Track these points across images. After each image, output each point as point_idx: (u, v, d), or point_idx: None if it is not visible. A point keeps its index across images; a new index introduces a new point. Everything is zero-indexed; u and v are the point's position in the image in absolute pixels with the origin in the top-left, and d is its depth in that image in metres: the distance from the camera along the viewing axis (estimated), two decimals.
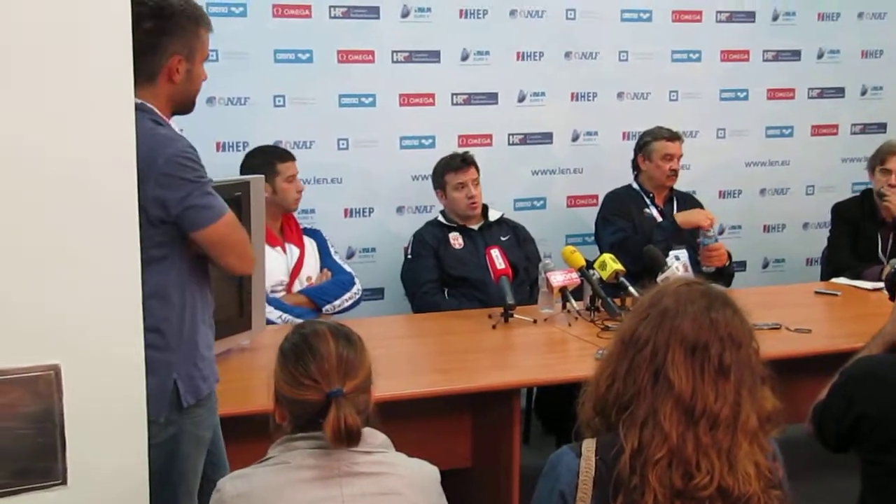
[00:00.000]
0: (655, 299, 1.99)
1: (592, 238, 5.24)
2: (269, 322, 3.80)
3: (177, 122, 2.68)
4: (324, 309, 4.25)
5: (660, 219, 4.97)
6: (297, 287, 4.35)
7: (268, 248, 3.97)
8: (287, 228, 4.43)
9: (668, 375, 1.90)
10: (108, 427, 2.30)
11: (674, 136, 4.99)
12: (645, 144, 5.01)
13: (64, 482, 2.25)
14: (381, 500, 2.02)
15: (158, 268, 2.50)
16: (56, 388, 2.21)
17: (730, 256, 4.89)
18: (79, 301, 2.23)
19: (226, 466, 2.77)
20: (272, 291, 4.17)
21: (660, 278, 3.97)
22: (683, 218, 4.84)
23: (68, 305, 2.22)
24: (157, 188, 2.43)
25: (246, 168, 4.30)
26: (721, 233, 5.38)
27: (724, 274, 4.85)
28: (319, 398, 2.02)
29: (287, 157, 4.45)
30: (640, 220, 4.95)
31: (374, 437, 2.08)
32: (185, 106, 2.69)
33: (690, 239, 4.84)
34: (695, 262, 4.74)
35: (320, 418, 2.01)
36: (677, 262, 4.52)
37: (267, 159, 4.36)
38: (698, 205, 5.13)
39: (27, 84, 2.13)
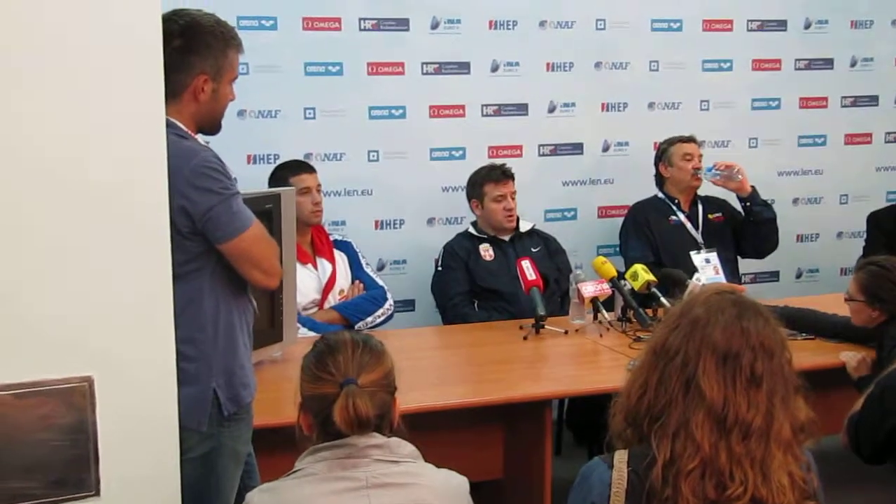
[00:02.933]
0: (686, 309, 1.98)
1: None
2: None
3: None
4: (356, 326, 4.23)
5: (688, 224, 4.97)
6: (330, 302, 4.34)
7: (298, 266, 3.95)
8: (318, 242, 4.41)
9: (699, 385, 1.89)
10: (141, 438, 2.31)
11: (689, 139, 5.02)
12: (663, 152, 5.04)
13: (97, 493, 2.27)
14: None
15: (192, 279, 2.51)
16: (90, 400, 2.23)
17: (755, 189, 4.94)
18: (111, 314, 2.25)
19: (257, 474, 2.78)
20: (304, 310, 4.16)
21: (691, 282, 3.95)
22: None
23: (101, 318, 2.24)
24: (183, 199, 2.44)
25: (270, 185, 4.28)
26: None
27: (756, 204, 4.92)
28: (335, 390, 2.04)
29: (300, 169, 4.39)
30: (665, 229, 4.95)
31: (402, 447, 2.09)
32: (209, 125, 2.69)
33: (720, 242, 4.86)
34: (725, 263, 4.71)
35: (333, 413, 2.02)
36: (706, 264, 4.50)
37: (281, 174, 4.34)
38: (724, 204, 5.12)
39: (60, 101, 2.16)
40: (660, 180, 5.07)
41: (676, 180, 4.99)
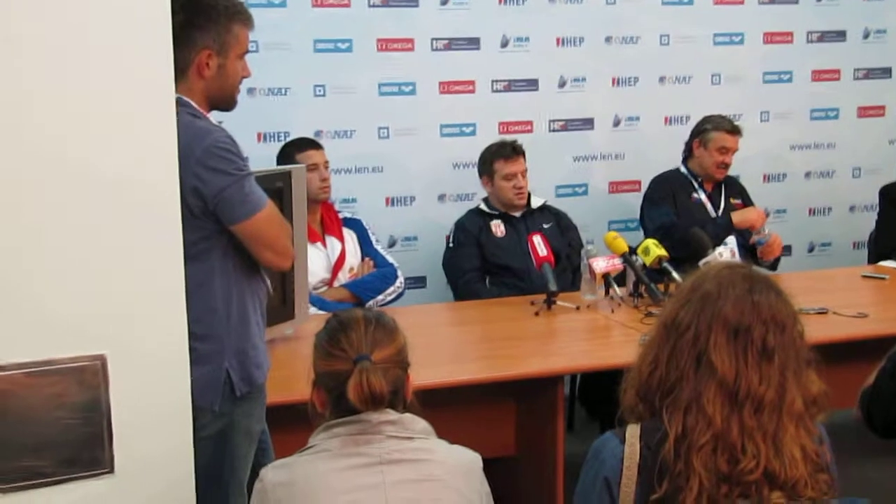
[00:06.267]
0: (697, 283, 1.97)
1: (635, 224, 5.23)
2: None
3: (217, 113, 2.69)
4: (367, 304, 4.22)
5: (708, 204, 4.94)
6: (340, 280, 4.34)
7: (308, 245, 3.94)
8: (327, 220, 4.41)
9: (710, 359, 1.89)
10: (154, 416, 2.33)
11: (734, 130, 4.91)
12: (704, 132, 4.94)
13: (111, 471, 2.28)
14: (422, 487, 2.02)
15: (204, 259, 2.51)
16: (102, 378, 2.24)
17: (781, 242, 4.89)
18: (123, 292, 2.26)
19: (272, 452, 2.79)
20: (314, 289, 4.15)
21: (702, 263, 3.93)
22: (740, 218, 4.82)
23: (113, 297, 2.25)
24: (195, 179, 2.44)
25: (279, 163, 4.26)
26: (766, 216, 5.34)
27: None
28: (348, 367, 2.04)
29: (307, 146, 4.38)
30: (686, 205, 4.92)
31: (415, 423, 2.09)
32: (222, 101, 2.67)
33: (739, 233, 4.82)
34: (742, 248, 4.69)
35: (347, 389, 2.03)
36: (724, 248, 4.48)
37: (288, 151, 4.35)
38: (744, 191, 5.12)
39: (67, 83, 2.15)
40: (688, 153, 5.04)
41: (703, 164, 4.93)
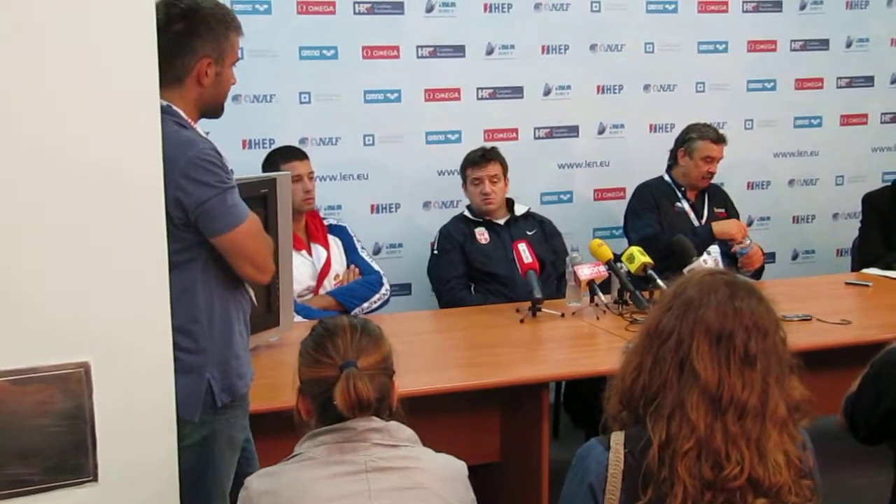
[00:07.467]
0: (679, 290, 1.98)
1: (620, 231, 5.24)
2: None
3: (202, 120, 2.68)
4: (353, 312, 4.20)
5: (691, 213, 4.95)
6: (326, 288, 4.33)
7: (293, 253, 3.92)
8: (312, 228, 4.39)
9: (693, 366, 1.89)
10: (138, 424, 2.32)
11: (719, 139, 4.92)
12: (689, 140, 4.94)
13: (95, 479, 2.28)
14: (408, 495, 2.02)
15: (185, 269, 2.50)
16: (86, 386, 2.23)
17: (763, 253, 4.89)
18: (108, 300, 2.25)
19: (256, 460, 2.79)
20: (299, 297, 4.14)
21: (686, 270, 3.94)
22: (720, 229, 4.82)
23: (97, 304, 2.24)
24: (177, 190, 2.42)
25: (265, 170, 4.23)
26: (749, 224, 5.37)
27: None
28: (334, 373, 2.05)
29: (292, 155, 4.36)
30: (670, 215, 4.92)
31: (400, 431, 2.09)
32: (213, 109, 2.67)
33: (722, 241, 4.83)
34: (725, 256, 4.71)
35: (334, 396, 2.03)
36: (707, 256, 4.49)
37: (273, 159, 4.33)
38: (729, 200, 5.13)
39: (54, 88, 2.15)
40: (672, 162, 5.04)
41: (686, 172, 4.95)
